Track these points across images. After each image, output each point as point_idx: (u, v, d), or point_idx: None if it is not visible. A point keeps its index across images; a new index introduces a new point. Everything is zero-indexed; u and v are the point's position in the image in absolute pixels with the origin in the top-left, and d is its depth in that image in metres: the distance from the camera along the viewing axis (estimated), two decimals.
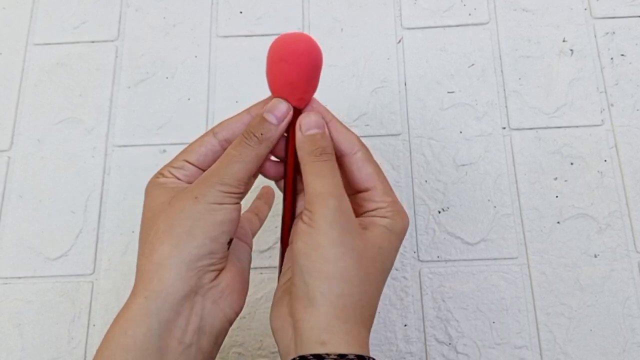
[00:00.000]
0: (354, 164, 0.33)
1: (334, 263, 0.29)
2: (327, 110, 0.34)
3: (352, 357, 0.27)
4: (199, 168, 0.33)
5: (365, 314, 0.29)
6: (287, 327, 0.30)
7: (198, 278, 0.30)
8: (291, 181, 0.34)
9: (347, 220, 0.30)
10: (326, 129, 0.33)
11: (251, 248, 0.37)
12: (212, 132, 0.34)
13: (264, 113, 0.32)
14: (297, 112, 0.34)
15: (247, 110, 0.34)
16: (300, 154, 0.32)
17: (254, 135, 0.32)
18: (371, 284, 0.30)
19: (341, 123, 0.34)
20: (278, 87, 0.33)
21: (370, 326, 0.30)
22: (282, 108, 0.33)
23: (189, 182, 0.32)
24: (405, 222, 0.32)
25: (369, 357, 0.28)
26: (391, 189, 0.33)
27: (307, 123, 0.33)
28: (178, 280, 0.29)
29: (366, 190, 0.32)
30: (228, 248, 0.32)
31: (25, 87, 0.56)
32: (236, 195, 0.31)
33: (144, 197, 0.33)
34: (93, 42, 0.58)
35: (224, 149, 0.33)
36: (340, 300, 0.28)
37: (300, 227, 0.30)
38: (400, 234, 0.32)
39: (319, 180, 0.31)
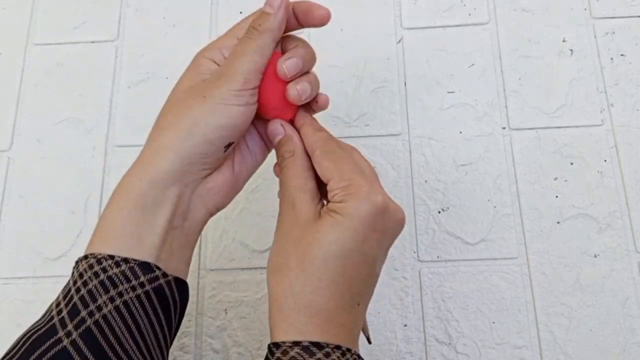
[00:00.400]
0: (315, 163, 0.34)
1: (274, 256, 0.32)
2: (305, 115, 0.36)
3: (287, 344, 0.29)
4: None
5: (302, 300, 0.29)
6: None
7: (190, 173, 0.33)
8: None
9: (296, 215, 0.32)
10: (289, 133, 0.35)
11: (259, 161, 0.39)
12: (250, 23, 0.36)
13: (263, 6, 0.34)
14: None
15: (285, 6, 0.36)
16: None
17: (254, 29, 0.33)
18: (306, 270, 0.30)
19: (312, 125, 0.36)
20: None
21: (326, 317, 0.29)
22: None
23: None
24: (363, 201, 0.30)
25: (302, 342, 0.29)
26: (353, 176, 0.32)
27: (270, 131, 0.36)
28: (169, 170, 0.32)
29: (327, 182, 0.33)
30: (225, 151, 0.33)
31: (25, 87, 0.56)
32: (244, 94, 0.32)
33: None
34: (93, 42, 0.58)
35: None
36: (274, 290, 0.31)
37: None
38: (358, 214, 0.30)
39: (281, 184, 0.34)
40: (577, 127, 0.51)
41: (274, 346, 0.29)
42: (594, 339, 0.46)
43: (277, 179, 0.36)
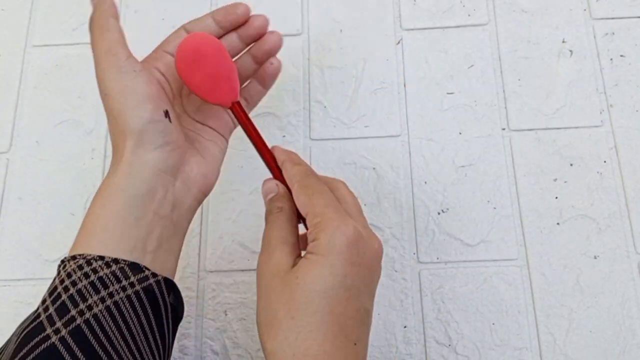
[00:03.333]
0: (294, 198, 0.34)
1: (261, 312, 0.32)
2: (284, 151, 0.37)
3: None
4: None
5: (300, 350, 0.29)
6: None
7: (163, 159, 0.34)
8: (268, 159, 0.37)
9: (273, 267, 0.32)
10: (281, 192, 0.36)
11: (227, 139, 0.41)
12: (184, 28, 0.39)
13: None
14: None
15: (211, 14, 0.39)
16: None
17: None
18: (295, 317, 0.29)
19: (292, 160, 0.36)
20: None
21: (323, 359, 0.29)
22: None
23: (164, 74, 0.37)
24: (333, 234, 0.30)
25: None
26: (324, 210, 0.32)
27: (264, 191, 0.37)
28: (141, 160, 0.33)
29: (306, 218, 0.33)
30: (170, 120, 0.34)
31: (24, 89, 0.56)
32: (121, 61, 0.34)
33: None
34: None
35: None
36: (270, 344, 0.30)
37: None
38: (330, 249, 0.30)
39: (264, 237, 0.34)
40: (576, 128, 0.51)
41: None
42: (593, 340, 0.45)
43: None
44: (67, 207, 0.51)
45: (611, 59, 0.53)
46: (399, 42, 0.56)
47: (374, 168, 0.51)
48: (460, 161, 0.51)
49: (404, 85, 0.54)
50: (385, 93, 0.54)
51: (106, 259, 0.30)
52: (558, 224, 0.49)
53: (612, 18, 0.55)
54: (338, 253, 0.30)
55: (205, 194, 0.38)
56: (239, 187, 0.51)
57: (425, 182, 0.51)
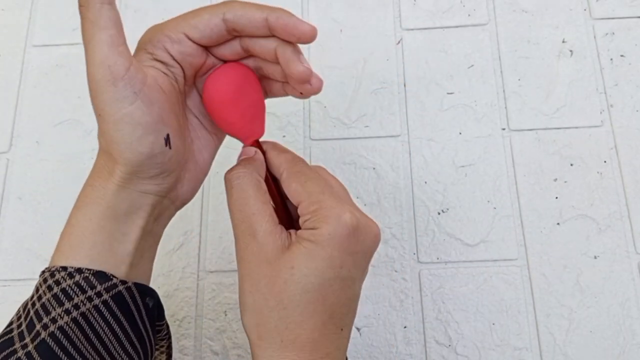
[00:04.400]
0: (283, 184, 0.32)
1: (248, 296, 0.30)
2: (267, 141, 0.34)
3: None
4: (200, 45, 0.31)
5: (289, 337, 0.29)
6: None
7: (155, 186, 0.31)
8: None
9: (259, 251, 0.30)
10: (255, 152, 0.33)
11: (222, 138, 0.36)
12: (222, 11, 0.30)
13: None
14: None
15: (268, 11, 0.30)
16: None
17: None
18: (287, 307, 0.29)
19: (276, 148, 0.34)
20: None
21: (313, 348, 0.29)
22: None
23: (179, 62, 0.31)
24: (336, 224, 0.29)
25: None
26: (321, 195, 0.30)
27: (241, 154, 0.34)
28: (130, 184, 0.30)
29: (297, 206, 0.31)
30: (170, 147, 0.30)
31: (24, 89, 0.56)
32: (123, 90, 0.28)
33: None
34: None
35: (232, 36, 0.31)
36: (256, 330, 0.30)
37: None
38: (331, 239, 0.29)
39: (231, 210, 0.31)
40: (576, 128, 0.51)
41: None
42: (593, 340, 0.45)
43: None
44: (67, 207, 0.51)
45: (611, 59, 0.53)
46: (399, 42, 0.56)
47: (374, 168, 0.51)
48: (460, 161, 0.51)
49: (404, 85, 0.54)
50: (385, 93, 0.54)
51: (69, 270, 0.29)
52: (558, 224, 0.49)
53: (612, 18, 0.55)
54: (338, 244, 0.29)
55: (187, 202, 0.35)
56: None
57: (425, 182, 0.51)
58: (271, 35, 0.31)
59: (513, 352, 0.46)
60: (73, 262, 0.29)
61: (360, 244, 0.30)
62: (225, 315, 0.48)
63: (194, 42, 0.31)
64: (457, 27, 0.56)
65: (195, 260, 0.50)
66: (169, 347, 0.37)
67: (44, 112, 0.55)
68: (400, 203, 0.50)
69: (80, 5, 0.29)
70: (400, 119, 0.53)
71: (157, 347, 0.36)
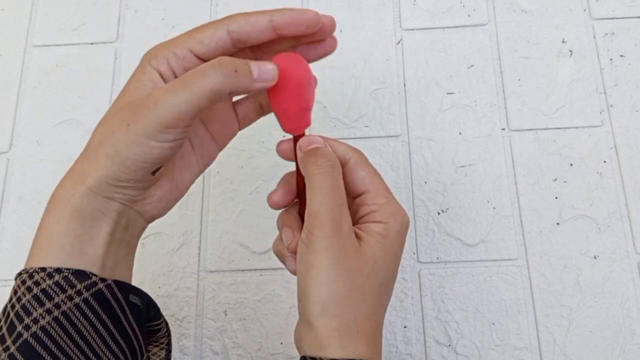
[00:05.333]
0: (347, 170, 0.33)
1: (328, 286, 0.29)
2: (320, 135, 0.34)
3: None
4: (204, 61, 0.31)
5: (363, 329, 0.30)
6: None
7: (124, 197, 0.31)
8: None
9: (344, 241, 0.30)
10: (325, 143, 0.33)
11: (207, 164, 0.35)
12: (225, 24, 0.30)
13: (251, 64, 0.29)
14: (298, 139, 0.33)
15: (270, 13, 0.30)
16: (303, 170, 0.32)
17: (228, 67, 0.28)
18: (367, 300, 0.30)
19: (334, 139, 0.34)
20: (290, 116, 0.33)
21: (375, 339, 0.31)
22: (269, 72, 0.30)
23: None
24: (401, 222, 0.32)
25: None
26: (386, 191, 0.32)
27: (304, 141, 0.33)
28: (99, 188, 0.30)
29: (361, 194, 0.32)
30: (154, 174, 0.31)
31: (25, 89, 0.56)
32: (172, 132, 0.28)
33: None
34: (92, 43, 0.58)
35: (237, 48, 0.31)
36: (335, 321, 0.29)
37: (299, 246, 0.31)
38: (398, 236, 0.32)
39: (319, 197, 0.30)
40: (576, 128, 0.51)
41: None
42: (593, 340, 0.46)
43: (277, 180, 0.35)
44: None
45: (611, 59, 0.53)
46: (399, 42, 0.56)
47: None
48: (460, 161, 0.51)
49: (404, 86, 0.54)
50: (385, 93, 0.54)
51: (48, 270, 0.29)
52: (558, 224, 0.49)
53: (612, 18, 0.55)
54: (402, 241, 0.32)
55: (158, 217, 0.34)
56: (239, 187, 0.51)
57: (425, 182, 0.51)
58: (277, 38, 0.31)
59: (513, 352, 0.46)
60: (48, 263, 0.29)
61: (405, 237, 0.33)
62: (226, 315, 0.48)
63: (199, 57, 0.31)
64: (457, 27, 0.56)
65: (196, 260, 0.50)
66: (169, 344, 0.37)
67: (44, 112, 0.55)
68: (400, 203, 0.50)
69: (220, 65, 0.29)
70: (400, 119, 0.53)
71: (156, 343, 0.36)
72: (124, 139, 0.29)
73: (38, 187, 0.52)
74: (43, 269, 0.29)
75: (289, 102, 0.32)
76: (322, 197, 0.30)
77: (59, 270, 0.29)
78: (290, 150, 0.34)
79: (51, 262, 0.29)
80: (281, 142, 0.34)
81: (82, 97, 0.55)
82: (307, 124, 0.34)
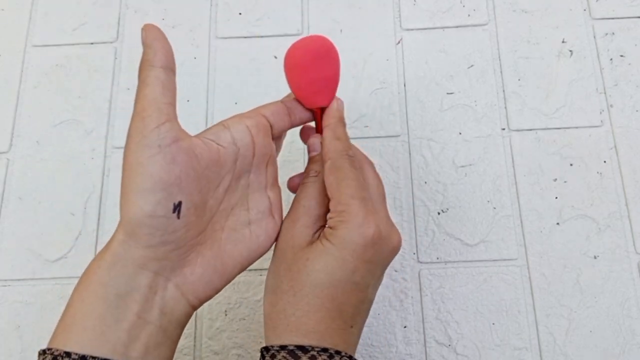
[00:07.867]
0: (324, 175, 0.33)
1: (269, 276, 0.33)
2: (333, 116, 0.36)
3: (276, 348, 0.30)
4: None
5: (294, 323, 0.30)
6: None
7: (155, 259, 0.28)
8: None
9: (296, 238, 0.32)
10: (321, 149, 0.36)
11: (263, 244, 0.34)
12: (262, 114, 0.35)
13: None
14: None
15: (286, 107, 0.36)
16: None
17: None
18: (296, 295, 0.30)
19: (334, 132, 0.35)
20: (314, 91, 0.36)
21: (316, 337, 0.30)
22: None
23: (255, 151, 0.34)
24: (358, 232, 0.30)
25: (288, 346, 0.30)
26: (350, 201, 0.31)
27: (310, 145, 0.37)
28: (125, 253, 0.28)
29: (330, 200, 0.33)
30: (177, 214, 0.28)
31: (24, 89, 0.56)
32: (153, 135, 0.28)
33: None
34: (92, 43, 0.58)
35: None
36: (269, 309, 0.32)
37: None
38: (345, 244, 0.30)
39: (294, 199, 0.35)
40: (576, 128, 0.51)
41: (264, 349, 0.31)
42: (593, 340, 0.45)
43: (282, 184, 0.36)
44: (67, 207, 0.51)
45: (611, 59, 0.53)
46: (399, 42, 0.56)
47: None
48: (460, 161, 0.51)
49: (404, 85, 0.54)
50: (385, 93, 0.54)
51: (73, 357, 0.27)
52: (558, 224, 0.49)
53: (612, 18, 0.55)
54: (352, 250, 0.30)
55: (204, 301, 0.31)
56: None
57: (425, 182, 0.51)
58: None
59: (513, 352, 0.46)
60: (69, 346, 0.27)
61: (377, 255, 0.31)
62: (225, 315, 0.48)
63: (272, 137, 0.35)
64: (457, 27, 0.56)
65: None
66: None
67: (44, 112, 0.55)
68: (400, 203, 0.50)
69: (139, 69, 0.31)
70: (400, 119, 0.53)
71: None
72: (126, 173, 0.28)
73: (38, 187, 0.52)
74: (68, 354, 0.27)
75: (291, 83, 0.35)
76: (294, 200, 0.34)
77: (83, 358, 0.27)
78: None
79: (72, 346, 0.27)
80: (292, 178, 0.37)
81: (82, 97, 0.55)
82: (323, 102, 0.36)
